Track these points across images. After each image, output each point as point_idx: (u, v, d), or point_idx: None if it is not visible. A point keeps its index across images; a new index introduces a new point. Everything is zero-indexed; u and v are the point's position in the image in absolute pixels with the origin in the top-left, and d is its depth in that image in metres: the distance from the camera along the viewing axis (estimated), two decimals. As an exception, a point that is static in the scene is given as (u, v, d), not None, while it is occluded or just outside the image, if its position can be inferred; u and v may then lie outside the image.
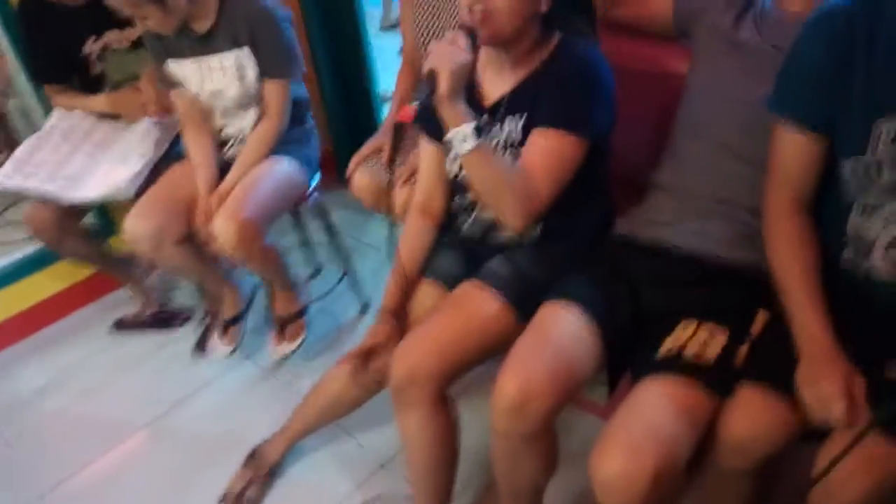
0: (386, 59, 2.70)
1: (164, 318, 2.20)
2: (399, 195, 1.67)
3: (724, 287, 1.20)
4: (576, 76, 1.19)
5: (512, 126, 1.23)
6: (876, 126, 0.96)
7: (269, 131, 1.74)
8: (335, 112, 2.58)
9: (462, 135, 1.10)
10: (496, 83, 1.26)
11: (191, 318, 2.21)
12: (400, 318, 1.38)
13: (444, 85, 1.07)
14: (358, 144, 1.83)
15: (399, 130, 1.61)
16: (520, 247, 1.32)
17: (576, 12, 1.25)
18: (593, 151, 1.21)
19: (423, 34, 1.74)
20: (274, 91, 1.71)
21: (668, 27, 1.40)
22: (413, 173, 1.62)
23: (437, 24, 1.69)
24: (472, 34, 1.13)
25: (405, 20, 1.81)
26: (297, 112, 1.82)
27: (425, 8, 1.71)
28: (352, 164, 1.79)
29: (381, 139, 1.79)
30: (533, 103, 1.20)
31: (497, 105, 1.25)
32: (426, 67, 1.08)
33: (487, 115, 1.26)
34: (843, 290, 1.06)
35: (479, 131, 1.11)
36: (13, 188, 1.83)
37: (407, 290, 1.39)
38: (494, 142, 1.25)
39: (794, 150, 1.07)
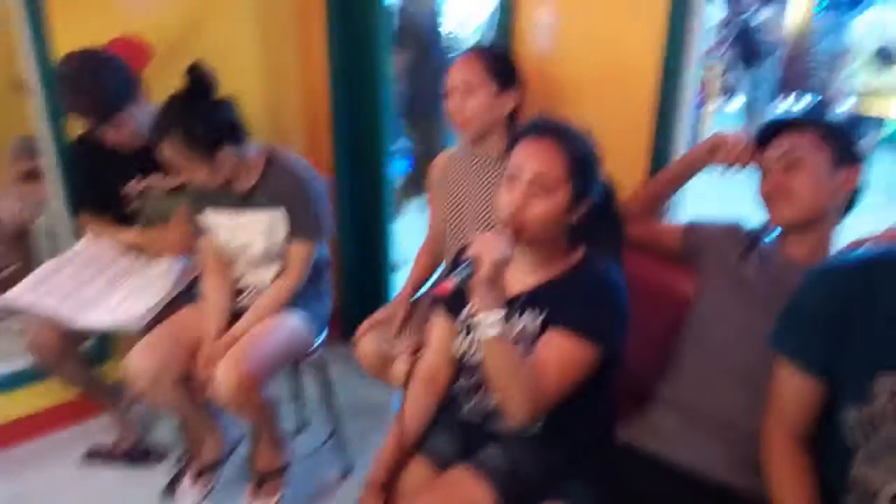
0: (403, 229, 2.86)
1: (138, 455, 2.13)
2: (399, 366, 1.69)
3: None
4: (598, 289, 1.26)
5: (528, 321, 1.28)
6: (876, 380, 1.00)
7: (286, 288, 1.80)
8: (349, 274, 2.69)
9: (490, 320, 1.14)
10: (517, 278, 1.32)
11: (165, 457, 2.14)
12: (389, 492, 1.35)
13: (485, 271, 1.13)
14: (365, 307, 1.89)
15: (415, 305, 1.66)
16: (519, 439, 1.32)
17: (605, 232, 1.33)
18: (604, 361, 1.24)
19: (446, 222, 1.83)
20: (299, 251, 1.79)
21: (676, 252, 1.52)
22: (419, 347, 1.65)
23: (458, 216, 1.79)
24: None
25: (432, 208, 1.91)
26: (315, 270, 1.89)
27: (447, 197, 1.82)
28: (361, 329, 1.83)
29: (394, 308, 1.85)
30: (553, 304, 1.26)
31: (516, 298, 1.31)
32: (471, 252, 1.15)
33: (507, 307, 1.28)
34: None
35: (506, 321, 1.16)
36: (24, 306, 1.85)
37: (400, 463, 1.37)
38: (511, 331, 1.28)
39: (793, 388, 1.12)
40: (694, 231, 1.51)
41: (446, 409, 1.43)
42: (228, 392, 1.61)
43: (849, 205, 1.34)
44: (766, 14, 5.49)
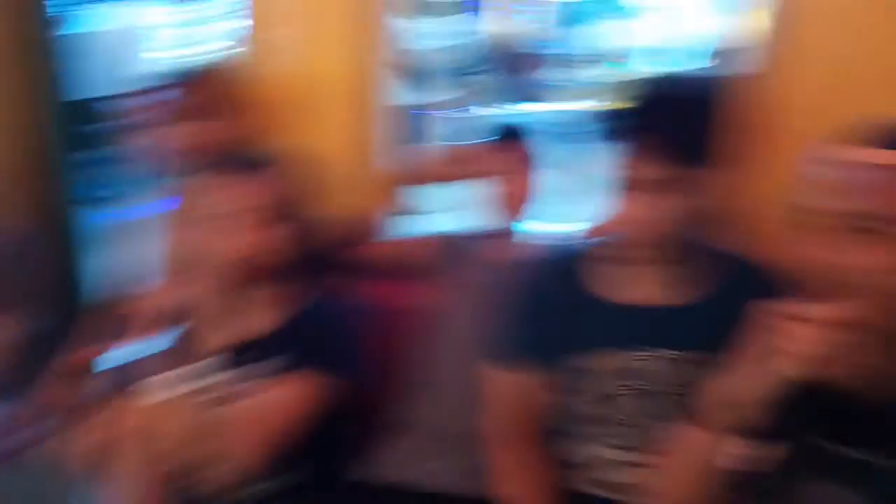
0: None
1: None
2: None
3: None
4: (331, 325, 1.23)
5: (265, 368, 1.17)
6: (583, 362, 1.08)
7: None
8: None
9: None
10: (253, 320, 1.21)
11: None
12: None
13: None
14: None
15: None
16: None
17: (319, 261, 1.31)
18: (343, 396, 1.19)
19: None
20: None
21: (428, 268, 1.50)
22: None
23: None
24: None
25: None
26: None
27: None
28: None
29: None
30: (290, 347, 1.18)
31: (250, 345, 1.20)
32: None
33: (238, 354, 1.19)
34: None
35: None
36: None
37: None
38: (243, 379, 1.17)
39: (502, 387, 1.17)
40: (446, 242, 1.53)
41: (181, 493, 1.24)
42: None
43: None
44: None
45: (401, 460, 1.31)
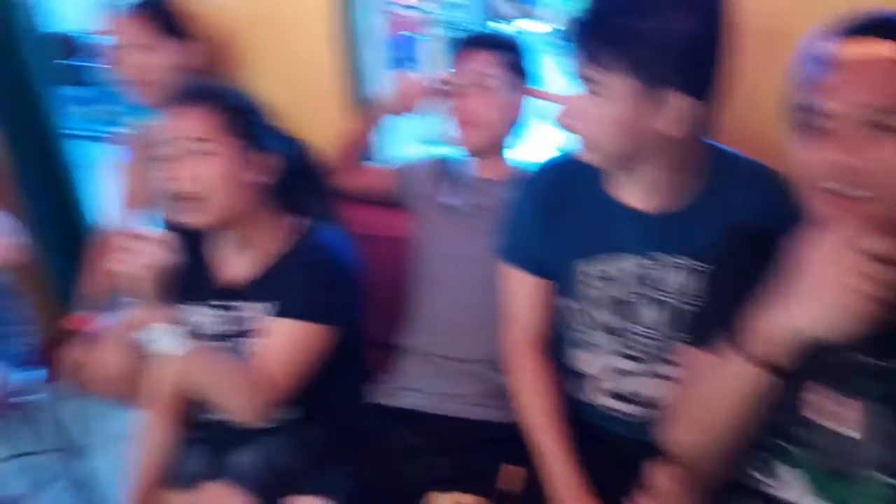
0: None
1: None
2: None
3: (477, 448, 1.21)
4: (318, 265, 1.18)
5: (251, 313, 1.18)
6: (576, 269, 1.07)
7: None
8: (58, 294, 2.28)
9: (164, 340, 1.02)
10: (232, 264, 1.21)
11: None
12: None
13: (135, 290, 1.00)
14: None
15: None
16: (271, 432, 1.22)
17: (309, 192, 1.27)
18: (341, 337, 1.19)
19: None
20: None
21: (391, 195, 1.50)
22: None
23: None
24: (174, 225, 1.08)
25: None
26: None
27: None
28: None
29: None
30: (275, 291, 1.16)
31: (234, 289, 1.20)
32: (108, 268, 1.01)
33: (222, 299, 1.20)
34: (583, 424, 1.13)
35: (184, 333, 1.04)
36: None
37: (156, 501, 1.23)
38: (229, 327, 1.19)
39: (521, 293, 1.15)
40: (402, 173, 1.51)
41: (189, 419, 1.28)
42: None
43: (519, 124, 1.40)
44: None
45: (416, 387, 1.31)
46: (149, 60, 1.48)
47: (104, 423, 2.13)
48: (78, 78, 4.45)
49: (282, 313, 1.15)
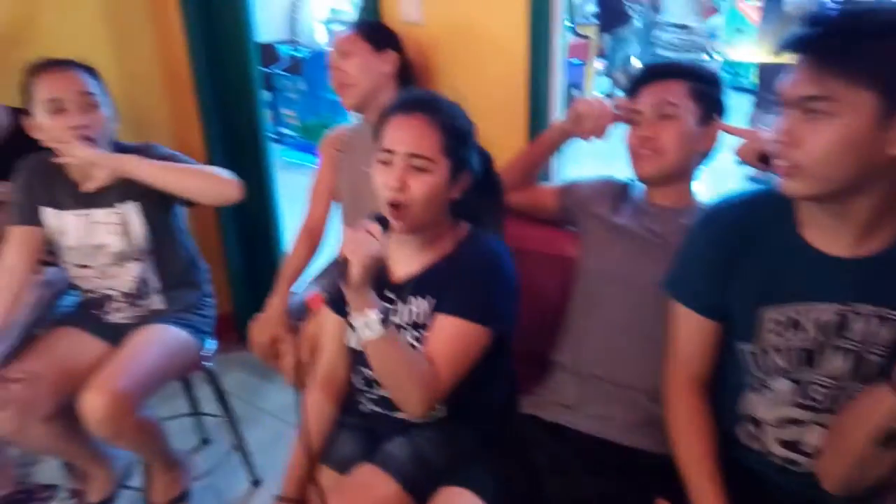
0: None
1: (22, 498, 1.93)
2: (287, 359, 1.65)
3: (625, 475, 1.20)
4: (482, 268, 1.23)
5: (418, 308, 1.24)
6: (761, 313, 1.03)
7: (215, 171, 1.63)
8: (237, 273, 2.53)
9: (366, 322, 1.09)
10: (404, 262, 1.28)
11: (53, 496, 1.96)
12: None
13: (354, 273, 1.07)
14: (259, 304, 1.79)
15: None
16: (422, 427, 1.28)
17: (486, 203, 1.31)
18: (497, 338, 1.22)
19: (347, 198, 1.79)
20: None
21: (556, 214, 1.52)
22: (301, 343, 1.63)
23: (358, 192, 1.72)
24: (383, 220, 1.15)
25: (318, 190, 1.85)
26: (192, 277, 1.78)
27: (350, 173, 1.75)
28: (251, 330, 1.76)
29: (273, 306, 1.77)
30: (440, 289, 1.22)
31: (404, 284, 1.26)
32: (340, 252, 1.09)
33: (393, 293, 1.26)
34: (739, 467, 1.09)
35: (384, 320, 1.10)
36: None
37: (310, 475, 1.31)
38: (398, 320, 1.24)
39: (689, 330, 1.13)
40: (568, 191, 1.52)
41: (346, 407, 1.38)
42: (97, 418, 1.45)
43: (708, 156, 1.37)
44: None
45: (569, 405, 1.31)
46: (360, 70, 1.63)
47: (263, 396, 2.34)
48: (268, 84, 4.95)
49: (445, 310, 1.20)
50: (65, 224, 1.64)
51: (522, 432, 1.30)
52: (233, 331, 2.32)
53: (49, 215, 1.64)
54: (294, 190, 2.51)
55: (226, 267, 2.46)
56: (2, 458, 1.93)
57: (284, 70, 5.05)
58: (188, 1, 2.16)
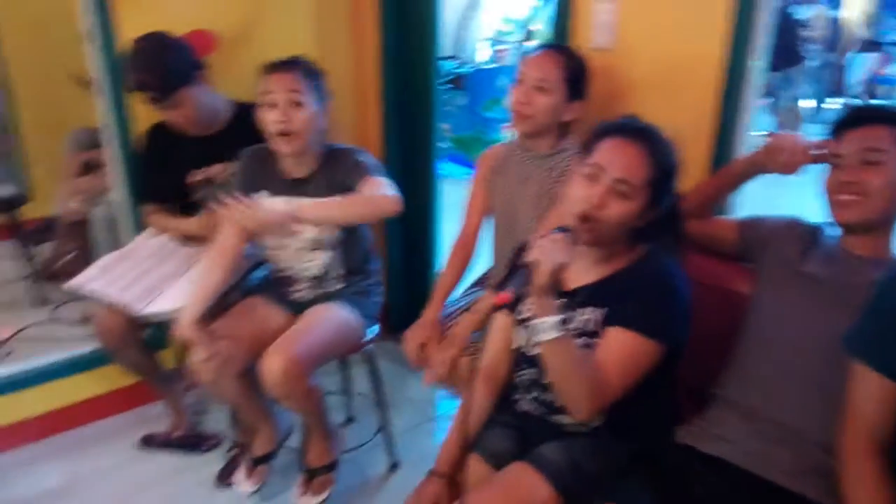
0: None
1: (192, 442, 2.18)
2: (464, 364, 1.70)
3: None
4: (658, 285, 1.26)
5: (590, 316, 1.28)
6: None
7: (383, 195, 1.70)
8: (396, 270, 2.71)
9: (548, 325, 1.15)
10: (579, 272, 1.32)
11: (219, 444, 2.18)
12: (451, 486, 1.37)
13: (542, 278, 1.14)
14: (413, 303, 1.90)
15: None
16: (579, 435, 1.32)
17: (667, 230, 1.33)
18: (666, 358, 1.24)
19: (499, 214, 1.86)
20: (375, 182, 1.72)
21: (733, 248, 1.50)
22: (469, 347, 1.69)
23: (512, 209, 1.79)
24: (569, 231, 1.21)
25: (472, 205, 1.92)
26: (364, 265, 1.92)
27: (504, 190, 1.83)
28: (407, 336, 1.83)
29: (429, 314, 1.83)
30: (614, 300, 1.26)
31: (577, 292, 1.31)
32: (529, 257, 1.16)
33: (567, 300, 1.31)
34: None
35: (563, 323, 1.16)
36: (94, 291, 1.91)
37: (464, 457, 1.39)
38: (570, 326, 1.28)
39: (871, 393, 1.08)
40: (751, 226, 1.49)
41: (502, 404, 1.44)
42: (275, 378, 1.61)
43: None
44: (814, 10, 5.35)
45: (730, 440, 1.29)
46: (546, 109, 1.66)
47: (406, 386, 2.47)
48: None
49: (619, 322, 1.23)
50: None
51: (679, 460, 1.30)
52: (385, 323, 2.47)
53: (263, 199, 1.82)
54: (444, 199, 2.67)
55: (386, 264, 2.63)
56: (180, 405, 2.20)
57: (446, 84, 5.31)
58: (387, 23, 2.37)
